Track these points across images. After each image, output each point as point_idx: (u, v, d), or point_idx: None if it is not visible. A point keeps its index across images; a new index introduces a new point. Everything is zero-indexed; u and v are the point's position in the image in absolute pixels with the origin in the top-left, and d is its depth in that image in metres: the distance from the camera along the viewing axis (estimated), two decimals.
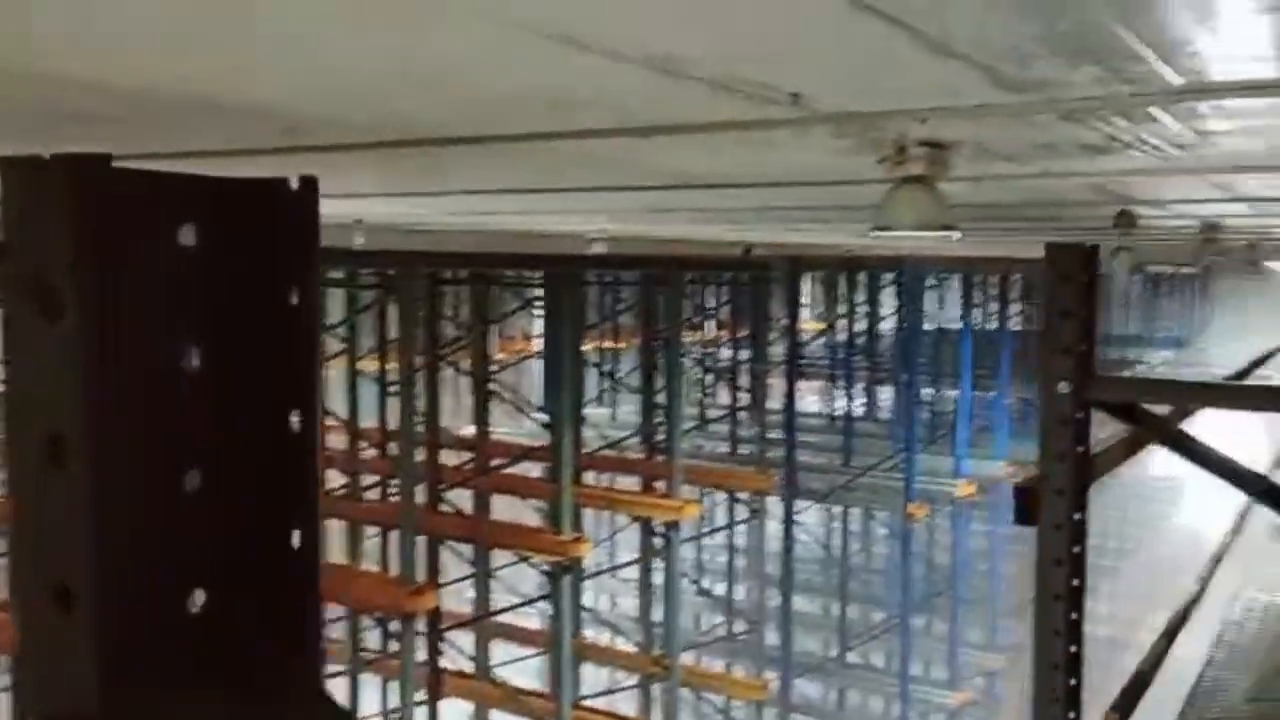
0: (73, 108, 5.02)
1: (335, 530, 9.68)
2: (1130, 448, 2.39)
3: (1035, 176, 7.82)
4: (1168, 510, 20.55)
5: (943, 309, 14.82)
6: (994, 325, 15.79)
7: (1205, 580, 3.80)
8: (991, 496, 14.30)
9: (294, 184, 0.58)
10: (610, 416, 13.95)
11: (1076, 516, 1.77)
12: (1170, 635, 3.07)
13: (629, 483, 11.87)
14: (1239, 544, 4.57)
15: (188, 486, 0.56)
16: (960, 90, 4.57)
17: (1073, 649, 1.79)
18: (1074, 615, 1.79)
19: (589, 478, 10.67)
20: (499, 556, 9.78)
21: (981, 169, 7.21)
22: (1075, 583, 1.78)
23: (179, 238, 0.55)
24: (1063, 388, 1.74)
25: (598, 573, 11.73)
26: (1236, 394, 2.16)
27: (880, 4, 3.21)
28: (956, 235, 6.51)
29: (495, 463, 9.60)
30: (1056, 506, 1.77)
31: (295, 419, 0.60)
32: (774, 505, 12.37)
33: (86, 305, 0.53)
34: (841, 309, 15.78)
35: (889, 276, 14.40)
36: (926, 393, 14.27)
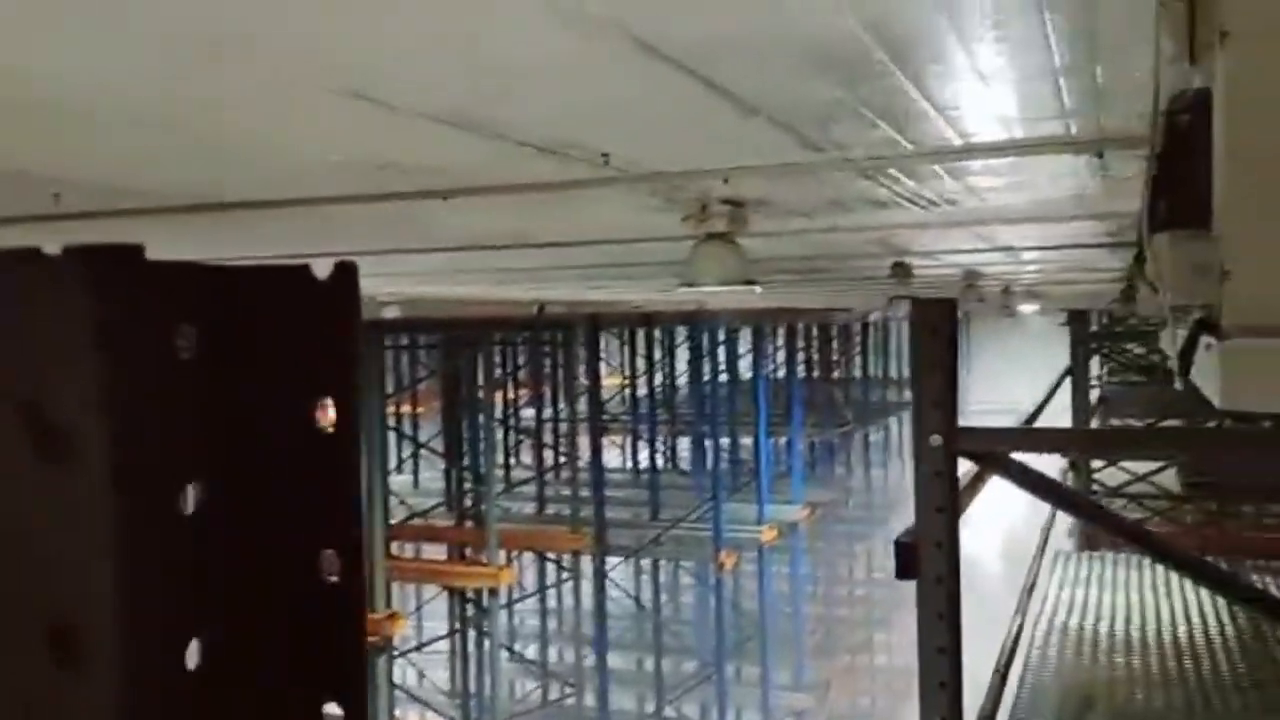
0: None
1: None
2: (975, 489, 2.47)
3: (825, 231, 8.19)
4: None
5: (736, 359, 15.26)
6: (783, 373, 16.40)
7: (1023, 611, 3.98)
8: (790, 539, 14.74)
9: (324, 273, 0.46)
10: (413, 484, 13.53)
11: (954, 568, 1.79)
12: (1003, 673, 3.18)
13: (433, 551, 11.47)
14: (1040, 573, 4.84)
15: (192, 664, 0.43)
16: (764, 150, 4.73)
17: (955, 702, 1.80)
18: (956, 667, 1.80)
19: (392, 548, 10.26)
20: None
21: (777, 225, 7.50)
22: (956, 635, 1.79)
23: (197, 346, 0.43)
24: (934, 440, 1.77)
25: (410, 649, 11.26)
26: (1087, 439, 2.29)
27: (698, 68, 3.27)
28: (758, 289, 6.70)
29: None
30: (936, 559, 1.78)
31: (332, 568, 0.48)
32: (585, 564, 12.27)
33: (114, 447, 0.40)
34: (640, 364, 15.99)
35: (684, 330, 14.73)
36: (725, 442, 14.60)
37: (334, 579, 0.48)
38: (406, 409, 14.16)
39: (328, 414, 0.47)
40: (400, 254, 8.85)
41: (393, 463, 12.40)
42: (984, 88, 3.76)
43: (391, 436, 11.91)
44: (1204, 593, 4.51)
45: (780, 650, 15.03)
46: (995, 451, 1.84)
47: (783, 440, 15.87)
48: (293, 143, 4.33)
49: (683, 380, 16.44)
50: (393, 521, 9.65)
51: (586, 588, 12.38)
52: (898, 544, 1.81)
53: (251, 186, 5.38)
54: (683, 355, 16.04)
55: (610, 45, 2.94)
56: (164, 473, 0.43)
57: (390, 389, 11.46)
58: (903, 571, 1.79)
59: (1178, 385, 2.76)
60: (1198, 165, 2.63)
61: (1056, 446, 2.16)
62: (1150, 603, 4.55)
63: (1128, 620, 4.40)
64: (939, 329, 1.74)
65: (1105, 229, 8.76)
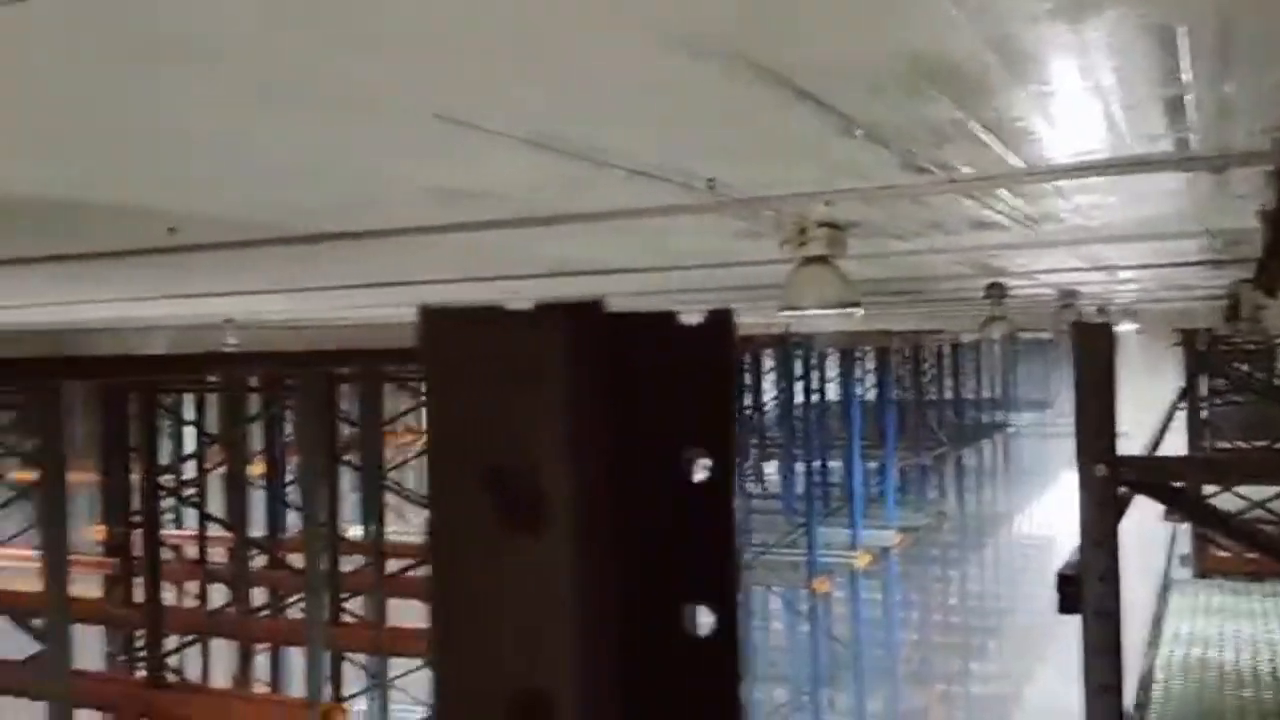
0: None
1: (222, 650, 9.07)
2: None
3: (921, 253, 8.08)
4: (1044, 565, 21.18)
5: (825, 383, 15.11)
6: (874, 396, 16.18)
7: (1155, 642, 3.84)
8: (884, 564, 14.50)
9: (694, 320, 0.45)
10: None
11: (1113, 603, 1.73)
12: (1142, 707, 3.06)
13: None
14: (1164, 602, 4.68)
15: None
16: (869, 173, 4.68)
17: None
18: (1117, 707, 1.74)
19: None
20: (395, 665, 9.30)
21: (872, 247, 7.40)
22: (1118, 673, 1.73)
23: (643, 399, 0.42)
24: (1100, 470, 1.71)
25: None
26: (1237, 467, 2.21)
27: (820, 94, 3.25)
28: (859, 312, 6.61)
29: (396, 566, 9.19)
30: (1099, 593, 1.72)
31: (708, 622, 0.46)
32: None
33: (579, 510, 0.39)
34: None
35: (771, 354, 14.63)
36: (815, 465, 14.47)
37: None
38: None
39: (701, 466, 0.46)
40: (472, 282, 8.89)
41: None
42: (1101, 107, 3.66)
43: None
44: None
45: (874, 678, 14.77)
46: (1157, 482, 1.77)
47: (873, 464, 15.64)
48: (400, 172, 4.40)
49: (769, 403, 16.33)
50: None
51: None
52: (1060, 576, 1.74)
53: (342, 219, 5.47)
54: (769, 379, 15.95)
55: (721, 67, 2.93)
56: (622, 533, 0.42)
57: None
58: (1065, 605, 1.73)
59: None
60: None
61: (1217, 476, 2.07)
62: (1265, 634, 4.38)
63: (1253, 652, 4.23)
64: (1098, 354, 1.68)
65: (1212, 246, 8.48)
